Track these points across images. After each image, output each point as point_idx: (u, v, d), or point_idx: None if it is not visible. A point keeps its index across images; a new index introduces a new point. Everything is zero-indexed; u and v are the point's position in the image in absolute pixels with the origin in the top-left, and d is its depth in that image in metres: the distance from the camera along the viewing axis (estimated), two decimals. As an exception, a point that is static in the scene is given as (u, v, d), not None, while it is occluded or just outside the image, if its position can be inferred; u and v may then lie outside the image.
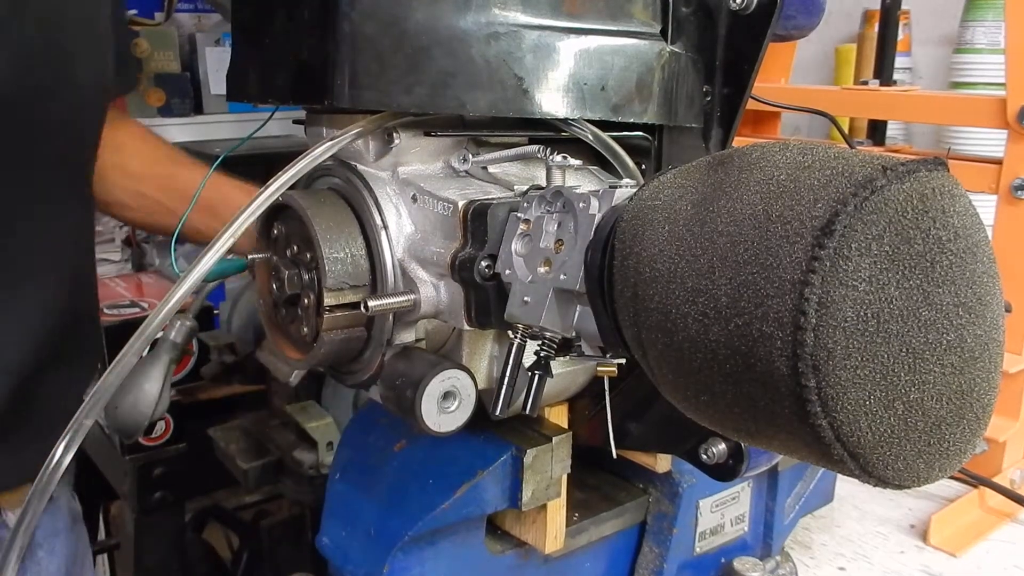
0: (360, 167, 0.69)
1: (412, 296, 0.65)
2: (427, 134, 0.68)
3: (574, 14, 0.65)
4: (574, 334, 0.58)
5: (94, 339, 0.94)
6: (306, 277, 0.69)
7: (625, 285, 0.49)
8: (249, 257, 0.75)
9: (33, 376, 0.82)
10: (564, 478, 0.75)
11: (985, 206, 1.08)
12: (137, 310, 1.18)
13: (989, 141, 1.62)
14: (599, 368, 0.65)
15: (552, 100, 0.65)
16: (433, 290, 0.65)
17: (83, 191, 0.88)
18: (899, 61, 1.74)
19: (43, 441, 0.63)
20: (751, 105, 0.80)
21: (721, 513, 0.88)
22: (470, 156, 0.70)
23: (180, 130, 1.91)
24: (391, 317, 0.67)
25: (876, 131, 1.68)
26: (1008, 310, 0.45)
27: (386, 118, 0.66)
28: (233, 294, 1.60)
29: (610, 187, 0.56)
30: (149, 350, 0.84)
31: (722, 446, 0.70)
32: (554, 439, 0.73)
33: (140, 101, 2.04)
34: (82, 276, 0.90)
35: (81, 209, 0.89)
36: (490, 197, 0.64)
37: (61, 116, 0.81)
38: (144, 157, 1.02)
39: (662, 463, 0.82)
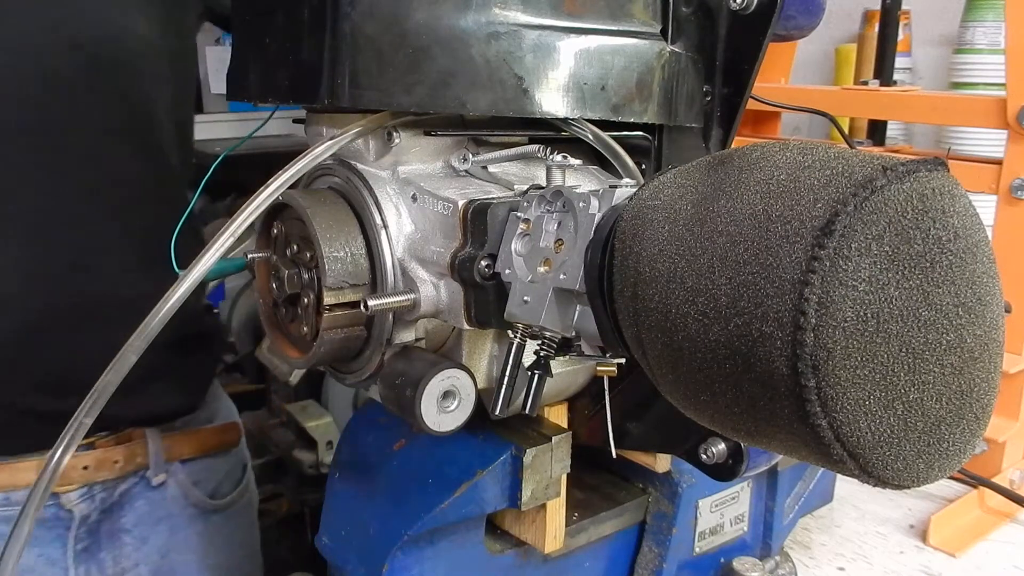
0: (360, 166, 0.69)
1: (412, 295, 0.65)
2: (427, 133, 0.68)
3: (574, 14, 0.65)
4: (574, 334, 0.58)
5: None
6: (306, 276, 0.69)
7: (625, 285, 0.49)
8: (249, 256, 0.75)
9: None
10: (563, 478, 0.75)
11: (985, 206, 1.09)
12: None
13: (989, 141, 1.62)
14: (599, 368, 0.65)
15: (552, 100, 0.65)
16: (433, 289, 0.65)
17: None
18: (899, 61, 1.74)
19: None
20: (751, 105, 0.80)
21: (720, 513, 0.88)
22: (470, 155, 0.70)
23: (180, 129, 1.90)
24: (391, 316, 0.67)
25: (876, 131, 1.67)
26: (1008, 310, 0.45)
27: (386, 117, 0.66)
28: (233, 294, 1.60)
29: (610, 187, 0.56)
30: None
31: (722, 446, 0.70)
32: (554, 439, 0.73)
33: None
34: None
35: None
36: (490, 197, 0.64)
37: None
38: None
39: (662, 463, 0.82)
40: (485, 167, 0.70)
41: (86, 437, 0.87)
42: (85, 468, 0.89)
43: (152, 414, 0.94)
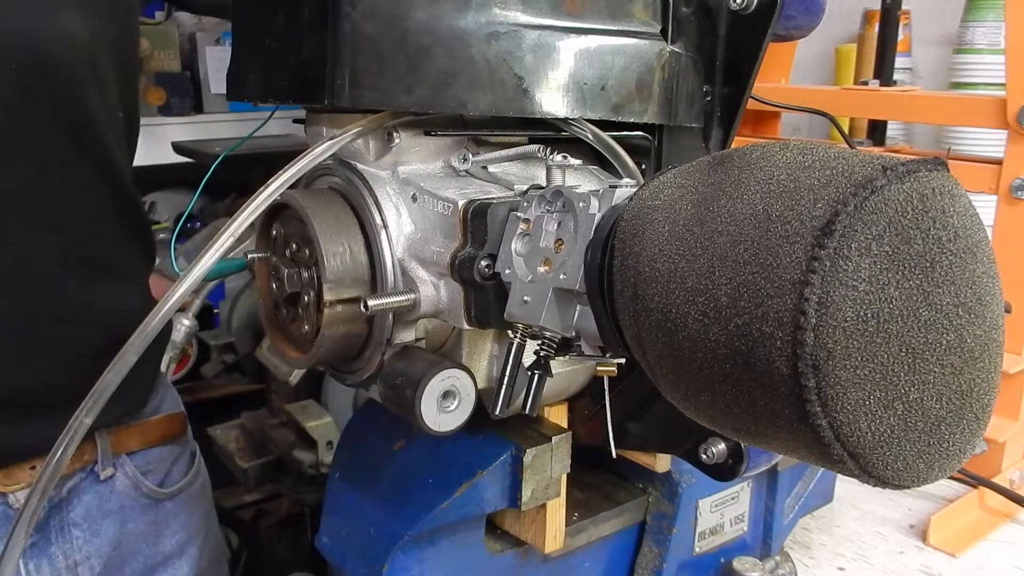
0: (360, 166, 0.69)
1: (412, 295, 0.65)
2: (427, 133, 0.68)
3: (574, 14, 0.65)
4: (574, 334, 0.58)
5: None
6: (306, 275, 0.69)
7: (625, 285, 0.49)
8: (249, 256, 0.75)
9: None
10: (564, 478, 0.75)
11: (985, 206, 1.09)
12: (137, 309, 1.18)
13: (989, 141, 1.62)
14: (599, 368, 0.65)
15: (552, 100, 0.65)
16: (433, 289, 0.65)
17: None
18: (899, 61, 1.73)
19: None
20: (751, 105, 0.80)
21: (720, 513, 0.88)
22: (470, 155, 0.70)
23: (180, 129, 1.90)
24: (391, 316, 0.67)
25: (876, 131, 1.67)
26: (1008, 310, 0.45)
27: (386, 117, 0.66)
28: (233, 294, 1.60)
29: (610, 187, 0.56)
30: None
31: (722, 446, 0.70)
32: (554, 439, 0.73)
33: (140, 100, 2.03)
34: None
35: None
36: (490, 197, 0.64)
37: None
38: None
39: (662, 463, 0.82)
40: (485, 167, 0.70)
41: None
42: (32, 468, 0.88)
43: (98, 422, 0.93)
